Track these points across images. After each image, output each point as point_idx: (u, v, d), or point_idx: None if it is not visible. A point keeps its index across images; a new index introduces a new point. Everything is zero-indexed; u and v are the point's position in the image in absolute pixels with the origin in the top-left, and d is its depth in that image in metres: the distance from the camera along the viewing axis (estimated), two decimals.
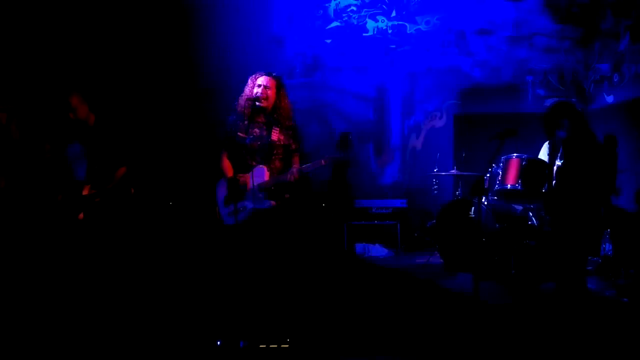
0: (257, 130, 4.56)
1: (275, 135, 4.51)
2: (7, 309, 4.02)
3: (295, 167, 4.48)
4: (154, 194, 5.81)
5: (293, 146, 4.61)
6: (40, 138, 5.53)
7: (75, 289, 4.30)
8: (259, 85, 4.52)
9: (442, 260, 5.38)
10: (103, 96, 4.96)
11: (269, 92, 4.54)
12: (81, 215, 4.51)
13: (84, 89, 4.81)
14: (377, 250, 5.88)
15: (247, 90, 4.63)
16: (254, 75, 4.64)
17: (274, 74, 4.65)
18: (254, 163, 4.51)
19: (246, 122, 4.50)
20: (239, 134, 4.50)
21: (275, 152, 4.55)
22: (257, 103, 4.52)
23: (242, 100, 4.61)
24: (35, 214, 4.86)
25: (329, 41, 6.48)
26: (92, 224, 4.50)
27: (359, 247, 5.91)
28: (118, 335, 3.64)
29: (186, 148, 6.21)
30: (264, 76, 4.55)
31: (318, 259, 5.33)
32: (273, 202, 4.46)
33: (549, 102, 6.11)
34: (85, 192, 4.54)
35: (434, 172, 5.80)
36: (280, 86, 4.65)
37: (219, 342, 3.40)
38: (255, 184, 4.44)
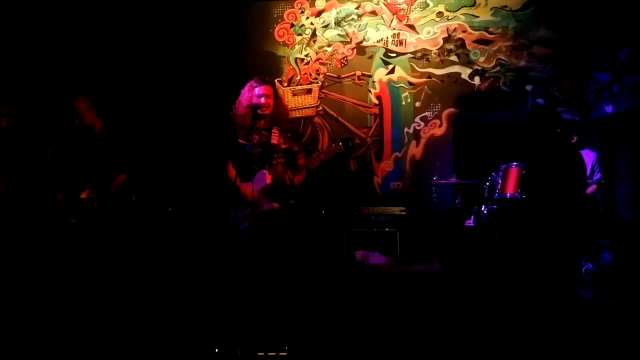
0: (256, 136, 4.58)
1: (275, 139, 4.53)
2: (4, 309, 4.01)
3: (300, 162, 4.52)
4: (155, 199, 5.81)
5: (295, 148, 4.62)
6: (43, 141, 5.54)
7: (69, 292, 4.30)
8: (260, 96, 4.55)
9: (441, 268, 5.38)
10: (111, 100, 4.95)
11: (269, 101, 4.57)
12: (73, 220, 4.50)
13: (92, 92, 4.80)
14: (377, 258, 5.87)
15: (244, 98, 4.64)
16: (250, 83, 4.65)
17: (270, 82, 4.68)
18: (256, 168, 4.53)
19: (246, 130, 4.52)
20: (239, 141, 4.53)
21: (276, 155, 4.56)
22: (258, 111, 4.55)
23: (240, 108, 4.62)
24: (34, 215, 4.86)
25: (329, 49, 6.51)
26: (89, 227, 4.50)
27: (358, 254, 5.90)
28: (114, 342, 3.63)
29: (189, 154, 6.22)
30: (262, 85, 4.58)
31: (317, 266, 5.33)
32: (276, 205, 4.47)
33: None
34: (83, 196, 4.55)
35: (434, 180, 5.81)
36: (276, 91, 4.70)
37: (217, 350, 3.40)
38: (257, 189, 4.46)
